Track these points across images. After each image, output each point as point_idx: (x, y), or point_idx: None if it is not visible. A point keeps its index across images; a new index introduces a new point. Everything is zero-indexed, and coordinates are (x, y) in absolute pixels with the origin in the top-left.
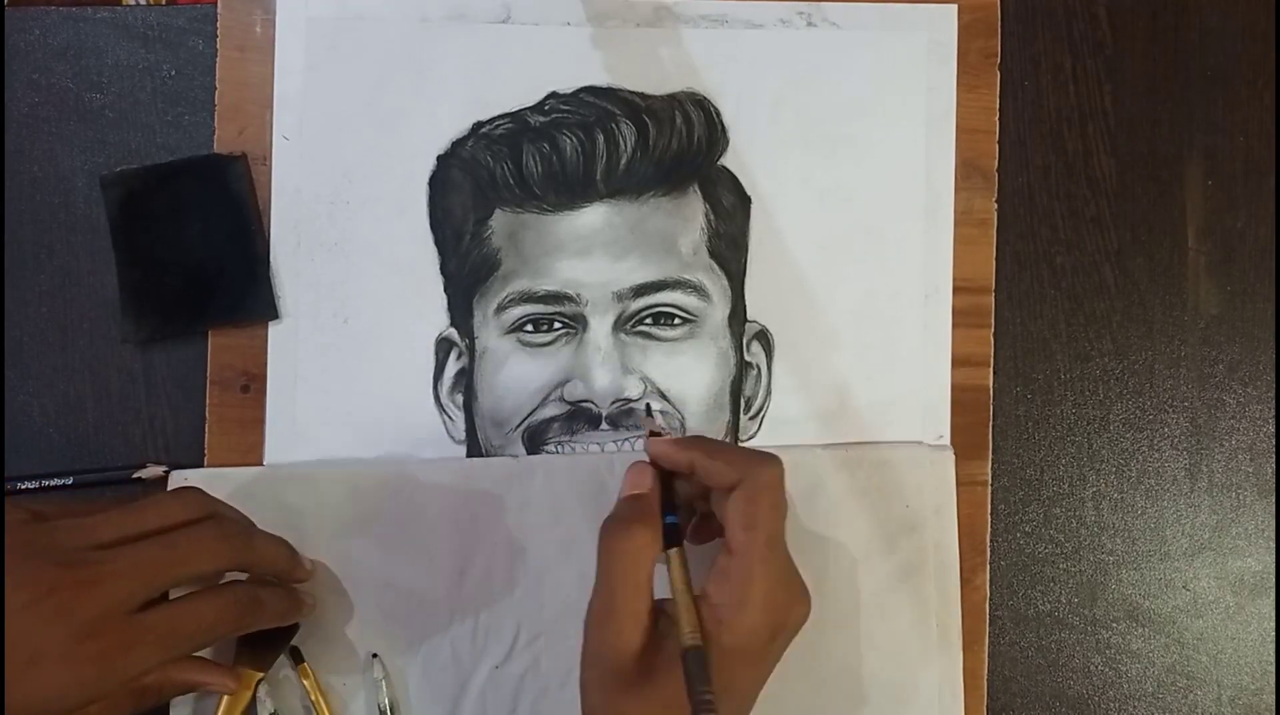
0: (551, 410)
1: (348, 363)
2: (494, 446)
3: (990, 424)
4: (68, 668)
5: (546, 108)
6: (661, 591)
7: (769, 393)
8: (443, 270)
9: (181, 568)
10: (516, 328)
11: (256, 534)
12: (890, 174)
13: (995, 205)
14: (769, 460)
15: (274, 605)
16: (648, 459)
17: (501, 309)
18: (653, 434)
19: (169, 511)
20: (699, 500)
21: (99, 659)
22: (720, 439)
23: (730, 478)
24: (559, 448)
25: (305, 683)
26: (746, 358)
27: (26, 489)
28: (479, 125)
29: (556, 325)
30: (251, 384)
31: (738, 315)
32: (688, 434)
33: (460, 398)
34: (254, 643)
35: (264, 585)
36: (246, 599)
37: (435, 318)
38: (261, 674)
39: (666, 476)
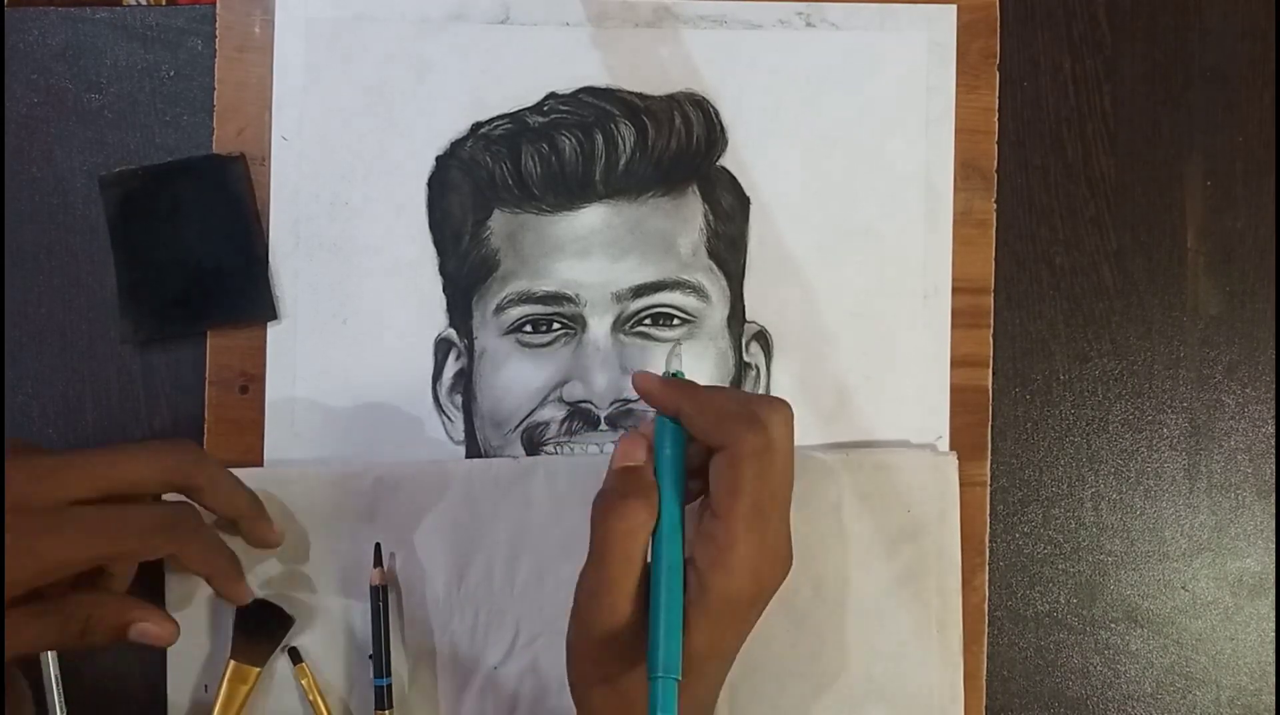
0: (550, 411)
1: (347, 363)
2: (493, 447)
3: (989, 425)
4: None
5: (545, 108)
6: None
7: (768, 393)
8: (442, 271)
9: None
10: (515, 328)
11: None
12: (889, 174)
13: (994, 206)
14: (757, 425)
15: (209, 549)
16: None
17: (500, 309)
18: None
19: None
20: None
21: (24, 535)
22: (714, 385)
23: (714, 439)
24: (558, 449)
25: (304, 682)
26: (745, 358)
27: None
28: (478, 126)
29: (555, 326)
30: (250, 385)
31: (737, 316)
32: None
33: (459, 398)
34: (250, 637)
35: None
36: (184, 523)
37: (434, 318)
38: (258, 668)
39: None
